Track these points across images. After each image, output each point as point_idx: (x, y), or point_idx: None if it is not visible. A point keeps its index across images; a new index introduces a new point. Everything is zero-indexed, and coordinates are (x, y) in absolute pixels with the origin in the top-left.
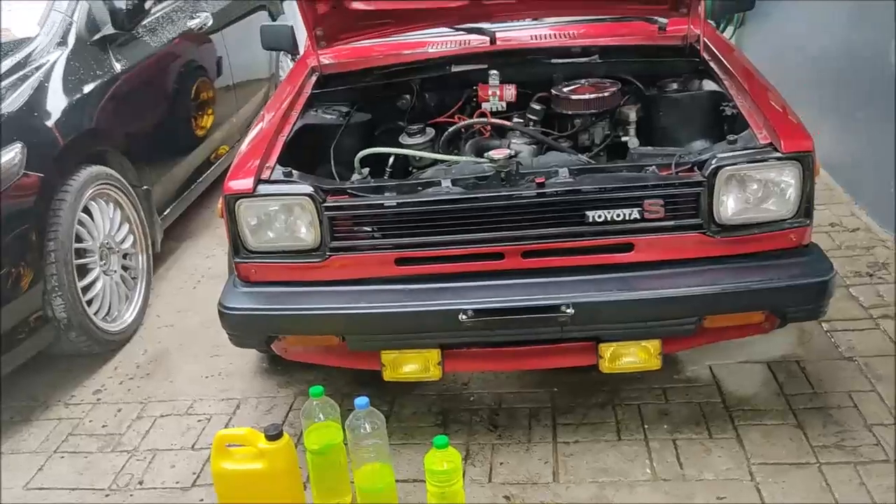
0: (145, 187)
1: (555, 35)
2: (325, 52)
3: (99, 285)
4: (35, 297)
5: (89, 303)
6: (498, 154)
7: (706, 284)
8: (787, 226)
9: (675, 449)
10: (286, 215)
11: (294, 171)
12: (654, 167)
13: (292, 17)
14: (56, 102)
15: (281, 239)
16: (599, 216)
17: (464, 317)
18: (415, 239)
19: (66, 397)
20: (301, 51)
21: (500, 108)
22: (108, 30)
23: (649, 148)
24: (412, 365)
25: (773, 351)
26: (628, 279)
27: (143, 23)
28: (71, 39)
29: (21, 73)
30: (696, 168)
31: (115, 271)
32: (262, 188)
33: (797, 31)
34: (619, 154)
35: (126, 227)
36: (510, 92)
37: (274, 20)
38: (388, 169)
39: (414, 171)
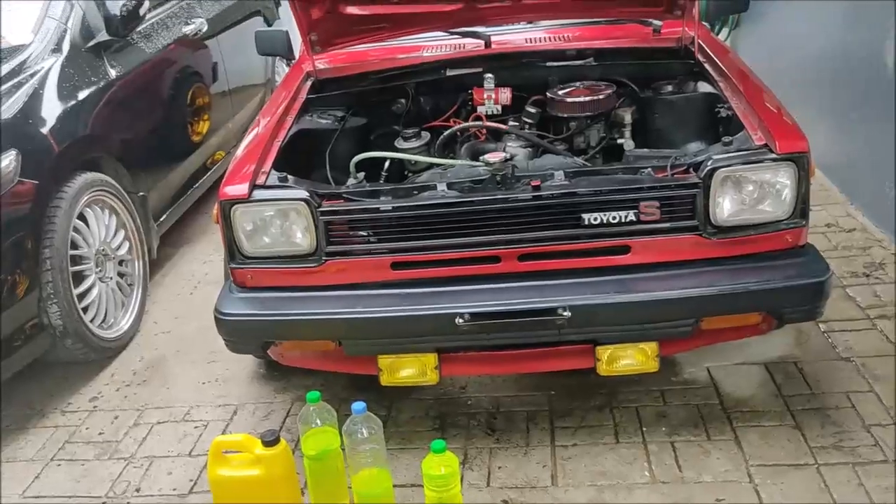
0: (141, 193)
1: (549, 38)
2: (320, 56)
3: (95, 292)
4: (31, 305)
5: (85, 310)
6: (493, 157)
7: (703, 286)
8: (783, 227)
9: (673, 451)
10: (282, 220)
11: (289, 176)
12: (649, 169)
13: (287, 22)
14: (51, 109)
15: (277, 244)
16: (595, 219)
17: (460, 320)
18: (411, 243)
19: (62, 405)
20: (296, 56)
21: (495, 112)
22: (103, 36)
23: (645, 150)
24: (409, 369)
25: (771, 352)
26: (625, 281)
27: (138, 29)
28: (65, 46)
29: (15, 80)
30: (691, 170)
31: (111, 278)
32: (258, 193)
33: (792, 33)
34: (615, 156)
35: (122, 233)
36: (505, 95)
37: (269, 25)
38: (383, 173)
39: (409, 175)
